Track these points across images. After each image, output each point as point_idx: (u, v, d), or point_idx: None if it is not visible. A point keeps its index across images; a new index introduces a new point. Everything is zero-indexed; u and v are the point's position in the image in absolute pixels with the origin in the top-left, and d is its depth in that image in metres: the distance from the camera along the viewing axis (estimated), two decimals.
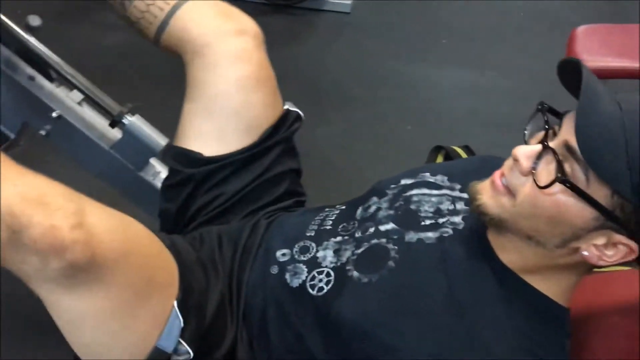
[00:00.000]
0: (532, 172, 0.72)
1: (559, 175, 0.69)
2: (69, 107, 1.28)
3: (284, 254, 0.92)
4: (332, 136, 2.09)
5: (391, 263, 0.82)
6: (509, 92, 2.28)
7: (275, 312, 0.88)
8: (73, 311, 0.74)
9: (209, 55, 1.04)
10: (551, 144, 0.72)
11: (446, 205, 0.88)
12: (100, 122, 1.29)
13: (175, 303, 0.79)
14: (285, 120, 1.09)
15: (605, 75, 1.66)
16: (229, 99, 1.03)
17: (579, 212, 0.70)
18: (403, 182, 0.94)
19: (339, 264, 0.86)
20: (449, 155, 1.89)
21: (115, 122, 1.24)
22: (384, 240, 0.85)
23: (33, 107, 1.24)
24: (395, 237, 0.85)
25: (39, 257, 0.69)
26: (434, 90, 2.32)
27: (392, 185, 0.94)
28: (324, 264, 0.88)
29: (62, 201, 0.71)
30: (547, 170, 0.71)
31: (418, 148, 1.98)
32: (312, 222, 0.95)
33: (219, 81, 1.03)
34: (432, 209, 0.87)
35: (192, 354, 0.80)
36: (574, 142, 0.69)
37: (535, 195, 0.71)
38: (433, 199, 0.89)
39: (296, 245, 0.92)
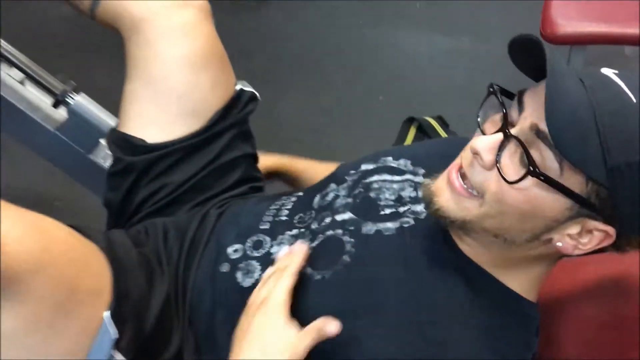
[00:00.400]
0: (496, 166, 0.65)
1: (531, 168, 0.62)
2: (9, 86, 1.19)
3: (235, 250, 0.85)
4: (298, 110, 2.00)
5: (346, 257, 0.76)
6: (487, 59, 2.20)
7: (225, 316, 0.81)
8: None
9: (148, 31, 0.95)
10: (513, 130, 0.65)
11: (408, 192, 0.82)
12: (45, 102, 1.20)
13: (106, 313, 0.72)
14: (237, 102, 1.01)
15: (582, 40, 1.60)
16: (172, 80, 0.95)
17: (552, 203, 0.64)
18: (364, 167, 0.87)
19: None
20: (422, 127, 1.83)
21: (58, 102, 1.16)
22: (339, 231, 0.79)
23: None
24: (351, 228, 0.79)
25: None
26: (407, 58, 2.24)
27: (352, 171, 0.88)
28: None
29: None
30: (512, 162, 0.65)
31: (390, 120, 1.90)
32: (267, 213, 0.88)
33: (161, 60, 0.95)
34: (392, 197, 0.81)
35: None
36: (544, 127, 0.62)
37: (502, 192, 0.65)
38: (395, 185, 0.83)
39: (249, 240, 0.85)
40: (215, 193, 0.98)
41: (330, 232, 0.79)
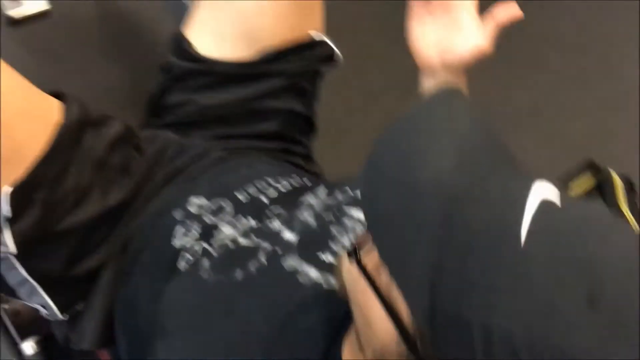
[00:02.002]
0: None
1: (352, 248, 0.44)
2: None
3: (197, 205, 0.74)
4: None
5: (239, 274, 0.61)
6: None
7: (146, 260, 0.73)
8: None
9: None
10: None
11: None
12: None
13: (5, 188, 0.65)
14: (305, 50, 0.86)
15: None
16: None
17: (383, 321, 0.43)
18: None
19: (218, 246, 0.68)
20: (601, 186, 1.46)
21: None
22: (267, 246, 0.64)
23: None
24: (280, 252, 0.63)
25: None
26: None
27: (349, 190, 0.69)
28: (213, 242, 0.68)
29: None
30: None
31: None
32: (256, 182, 0.75)
33: None
34: (350, 243, 0.63)
35: (13, 249, 0.67)
36: None
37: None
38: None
39: (216, 200, 0.73)
40: (237, 134, 0.86)
41: (265, 244, 0.64)
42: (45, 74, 1.32)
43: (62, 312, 0.75)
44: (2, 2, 1.04)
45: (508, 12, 0.76)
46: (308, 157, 0.93)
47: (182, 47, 0.87)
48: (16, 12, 1.06)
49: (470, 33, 0.77)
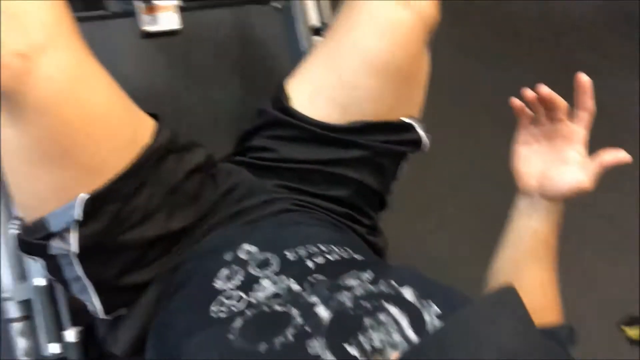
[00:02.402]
0: None
1: None
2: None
3: (248, 252, 0.76)
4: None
5: (263, 347, 0.61)
6: None
7: (186, 292, 0.76)
8: None
9: (361, 5, 0.86)
10: None
11: (396, 338, 0.61)
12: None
13: (82, 195, 0.71)
14: (391, 130, 0.88)
15: None
16: (345, 63, 0.86)
17: None
18: (404, 291, 0.66)
19: (255, 303, 0.68)
20: None
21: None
22: (299, 319, 0.63)
23: None
24: (308, 329, 0.62)
25: None
26: None
27: (392, 281, 0.67)
28: (251, 295, 0.69)
29: (35, 26, 0.65)
30: None
31: None
32: (307, 246, 0.76)
33: (351, 38, 0.86)
34: (378, 343, 0.60)
35: (75, 249, 0.73)
36: None
37: None
38: (395, 336, 0.60)
39: (265, 253, 0.75)
40: (307, 191, 0.89)
41: (298, 317, 0.64)
42: (159, 88, 1.42)
43: (105, 313, 0.80)
44: (140, 17, 1.14)
45: (616, 156, 0.76)
46: (373, 228, 0.94)
47: (279, 96, 0.91)
48: (150, 27, 1.15)
49: (574, 168, 0.77)
